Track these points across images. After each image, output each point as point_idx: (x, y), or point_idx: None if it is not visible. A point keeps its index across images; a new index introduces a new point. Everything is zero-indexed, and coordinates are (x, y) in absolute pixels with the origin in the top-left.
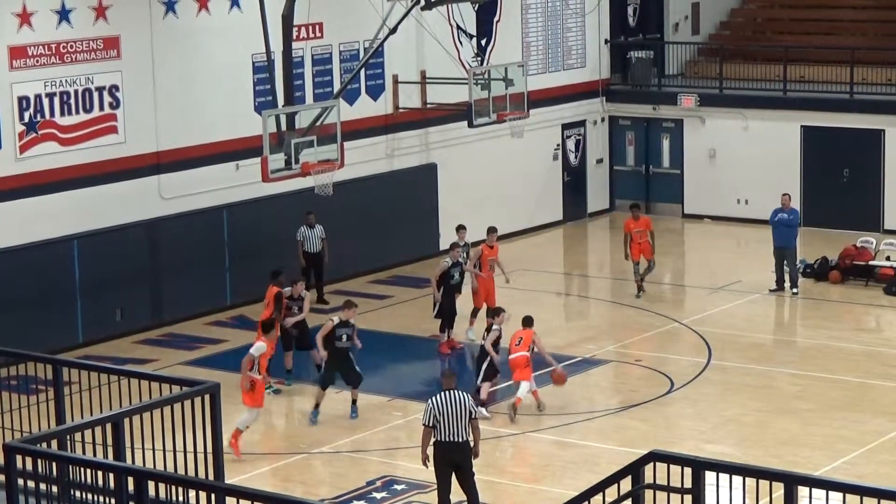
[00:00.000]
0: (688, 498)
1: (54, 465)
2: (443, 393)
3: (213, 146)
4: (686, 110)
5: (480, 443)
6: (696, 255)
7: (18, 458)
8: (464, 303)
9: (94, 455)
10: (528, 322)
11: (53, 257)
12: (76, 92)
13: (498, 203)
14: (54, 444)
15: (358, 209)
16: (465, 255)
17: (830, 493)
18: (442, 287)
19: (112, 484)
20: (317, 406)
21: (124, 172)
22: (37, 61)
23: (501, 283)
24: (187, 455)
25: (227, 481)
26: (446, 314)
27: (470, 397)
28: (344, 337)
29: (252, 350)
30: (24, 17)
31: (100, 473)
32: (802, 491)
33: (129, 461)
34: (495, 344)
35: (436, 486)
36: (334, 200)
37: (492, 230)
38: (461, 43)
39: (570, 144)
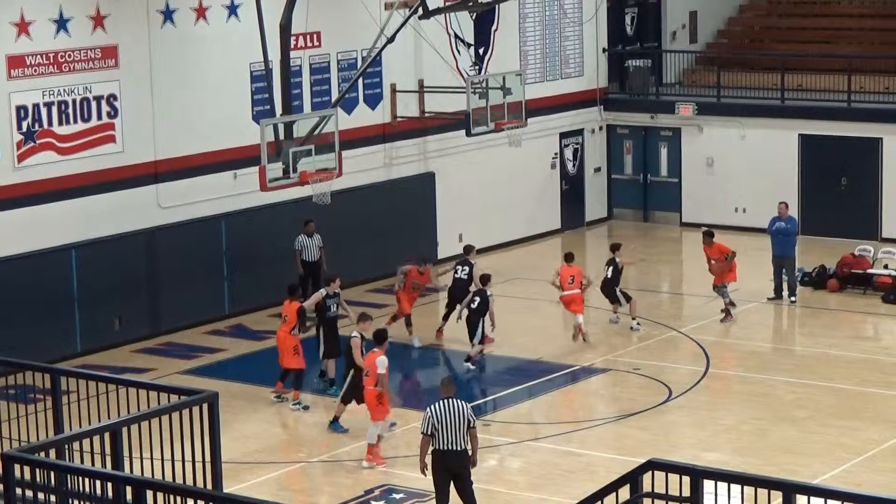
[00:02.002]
0: None
1: (53, 474)
2: (441, 401)
3: (211, 155)
4: (684, 119)
5: (478, 451)
6: (694, 264)
7: (17, 467)
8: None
9: (93, 464)
10: (570, 258)
11: (52, 266)
12: (74, 101)
13: (496, 212)
14: (53, 453)
15: (356, 218)
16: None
17: (829, 501)
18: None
19: (110, 493)
20: (336, 419)
21: (122, 181)
22: (35, 71)
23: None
24: (186, 464)
25: (225, 490)
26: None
27: (468, 406)
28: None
29: (383, 369)
30: (22, 27)
31: (98, 483)
32: (801, 499)
33: (127, 470)
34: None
35: (434, 495)
36: (332, 209)
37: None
38: (459, 52)
39: (568, 153)
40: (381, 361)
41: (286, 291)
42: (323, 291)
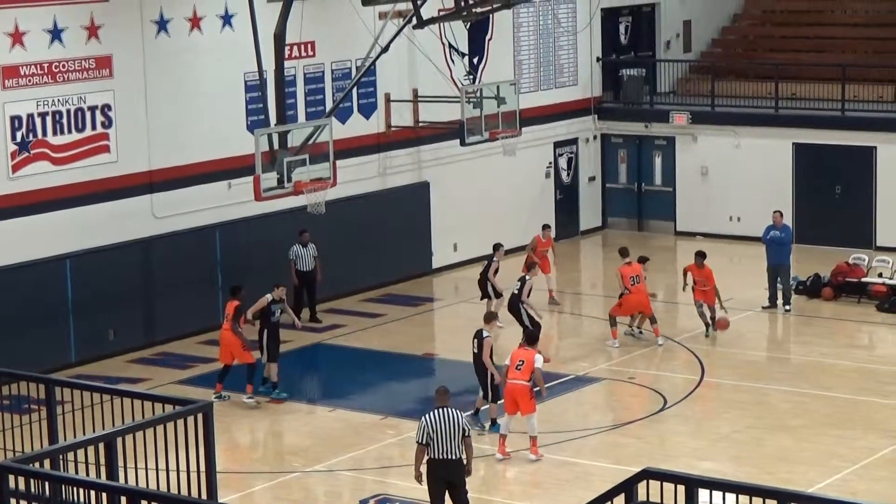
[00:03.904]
0: None
1: (47, 484)
2: (436, 410)
3: (205, 165)
4: (678, 128)
5: (473, 460)
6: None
7: (11, 478)
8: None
9: (87, 474)
10: (625, 253)
11: (46, 277)
12: (68, 111)
13: (490, 221)
14: (47, 463)
15: (351, 228)
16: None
17: None
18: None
19: (105, 503)
20: (493, 421)
21: (117, 191)
22: (29, 81)
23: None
24: (180, 474)
25: (220, 500)
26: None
27: (463, 415)
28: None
29: (540, 363)
30: (17, 37)
31: (93, 493)
32: None
33: (122, 480)
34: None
35: None
36: (327, 219)
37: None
38: (453, 61)
39: (563, 162)
40: (539, 358)
41: (229, 292)
42: (269, 297)
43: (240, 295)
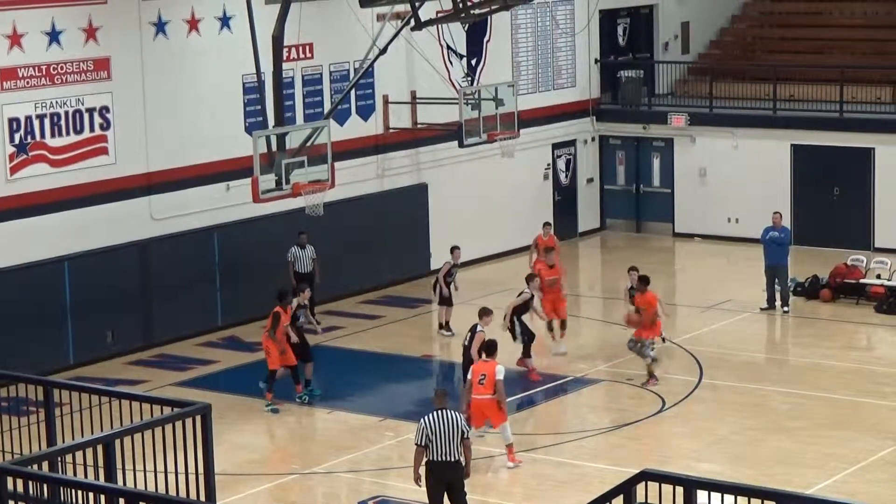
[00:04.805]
0: None
1: (45, 486)
2: (435, 412)
3: (203, 167)
4: (676, 129)
5: (472, 462)
6: (686, 274)
7: (10, 479)
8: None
9: (86, 477)
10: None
11: (44, 279)
12: (67, 113)
13: (488, 223)
14: (45, 465)
15: (349, 229)
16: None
17: None
18: None
19: None
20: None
21: (115, 193)
22: (27, 83)
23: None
24: (179, 476)
25: (218, 502)
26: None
27: (462, 417)
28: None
29: (501, 376)
30: (15, 39)
31: (91, 495)
32: None
33: (120, 482)
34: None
35: None
36: (325, 221)
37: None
38: (451, 63)
39: (561, 164)
40: (500, 369)
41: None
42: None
43: (286, 301)
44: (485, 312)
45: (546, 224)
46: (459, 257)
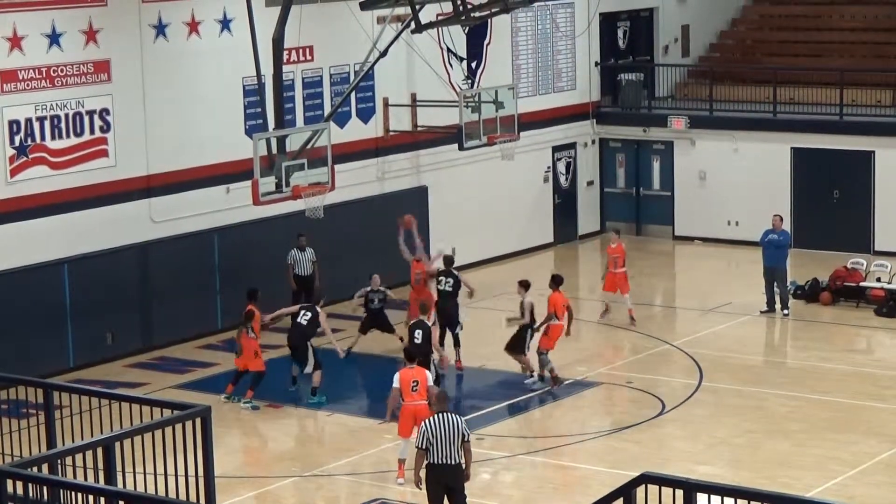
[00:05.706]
0: None
1: (45, 489)
2: (436, 415)
3: (203, 169)
4: (676, 132)
5: (472, 465)
6: (686, 277)
7: (10, 482)
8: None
9: (86, 479)
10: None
11: (44, 281)
12: (67, 115)
13: (488, 225)
14: (45, 468)
15: (349, 232)
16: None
17: None
18: None
19: None
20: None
21: (115, 196)
22: (27, 85)
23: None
24: (178, 479)
25: None
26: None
27: (462, 420)
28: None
29: (431, 382)
30: (15, 41)
31: (91, 498)
32: None
33: (120, 485)
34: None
35: None
36: (325, 223)
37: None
38: (451, 66)
39: (561, 167)
40: (430, 375)
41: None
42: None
43: (257, 299)
44: (423, 310)
45: (615, 231)
46: (378, 283)
